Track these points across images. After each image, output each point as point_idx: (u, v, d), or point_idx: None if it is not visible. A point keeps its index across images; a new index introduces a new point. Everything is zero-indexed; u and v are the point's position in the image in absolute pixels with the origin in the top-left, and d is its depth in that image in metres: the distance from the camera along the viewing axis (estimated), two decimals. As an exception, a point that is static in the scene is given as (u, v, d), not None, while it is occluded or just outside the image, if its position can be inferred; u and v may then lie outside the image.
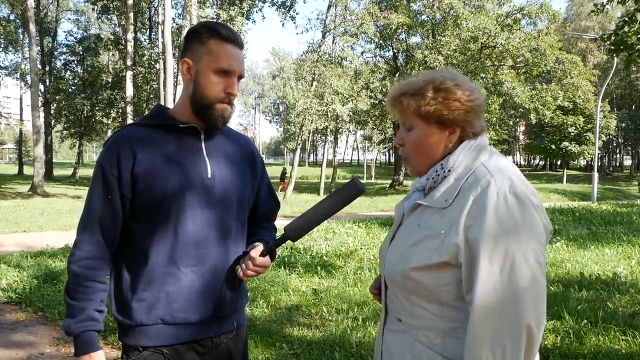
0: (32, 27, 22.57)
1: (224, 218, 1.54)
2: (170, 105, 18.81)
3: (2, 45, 30.60)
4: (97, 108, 31.46)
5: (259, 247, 1.52)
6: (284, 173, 29.07)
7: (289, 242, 1.57)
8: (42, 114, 27.36)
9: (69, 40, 34.26)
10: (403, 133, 1.35)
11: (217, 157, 1.56)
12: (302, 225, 1.50)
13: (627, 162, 62.25)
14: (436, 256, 1.21)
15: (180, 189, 1.47)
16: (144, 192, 1.46)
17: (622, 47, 8.87)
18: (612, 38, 8.95)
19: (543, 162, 58.74)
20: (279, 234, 1.60)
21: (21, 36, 31.26)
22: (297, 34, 40.83)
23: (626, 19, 8.62)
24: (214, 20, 21.64)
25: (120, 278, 1.51)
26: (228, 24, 21.59)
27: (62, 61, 33.95)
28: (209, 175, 1.52)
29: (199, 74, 1.48)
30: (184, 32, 21.24)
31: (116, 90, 29.86)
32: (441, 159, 1.31)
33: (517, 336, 1.10)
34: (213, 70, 1.47)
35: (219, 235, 1.53)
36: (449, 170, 1.28)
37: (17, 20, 29.74)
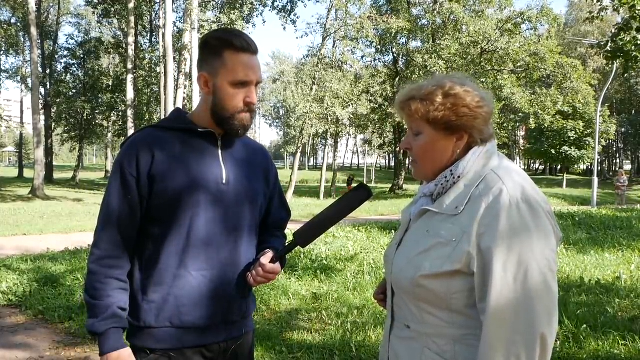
0: (34, 31, 22.63)
1: (236, 224, 1.55)
2: (171, 108, 18.87)
3: (4, 49, 30.71)
4: (97, 111, 31.53)
5: (269, 253, 1.53)
6: (350, 179, 29.50)
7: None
8: (42, 117, 27.39)
9: (69, 44, 34.46)
10: (410, 137, 1.34)
11: (232, 164, 1.57)
12: (311, 231, 1.51)
13: (627, 166, 62.26)
14: (448, 264, 1.20)
15: (195, 192, 1.48)
16: (159, 193, 1.47)
17: (619, 55, 8.92)
18: (609, 45, 9.01)
19: (543, 167, 58.74)
20: (288, 241, 1.61)
21: (22, 39, 31.35)
22: (297, 38, 40.87)
23: (622, 26, 8.68)
24: (215, 23, 21.71)
25: (131, 279, 1.52)
26: (228, 27, 21.70)
27: (63, 64, 34.14)
28: (224, 181, 1.53)
29: (217, 87, 1.49)
30: (185, 36, 21.33)
31: (117, 94, 29.92)
32: (448, 164, 1.30)
33: (532, 345, 1.10)
34: (230, 83, 1.47)
35: (230, 241, 1.54)
36: (459, 177, 1.27)
37: (19, 24, 29.86)
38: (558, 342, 3.77)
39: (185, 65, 20.96)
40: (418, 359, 1.28)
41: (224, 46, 1.48)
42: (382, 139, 39.18)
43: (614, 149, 59.37)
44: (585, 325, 4.05)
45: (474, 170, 1.26)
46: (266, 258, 1.51)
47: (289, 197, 24.71)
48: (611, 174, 57.64)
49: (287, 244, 1.56)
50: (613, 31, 9.02)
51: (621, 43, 8.76)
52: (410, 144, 1.34)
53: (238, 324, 1.60)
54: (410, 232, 1.36)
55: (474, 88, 1.30)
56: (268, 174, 1.70)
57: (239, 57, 1.47)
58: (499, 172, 1.23)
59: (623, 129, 50.69)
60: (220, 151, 1.56)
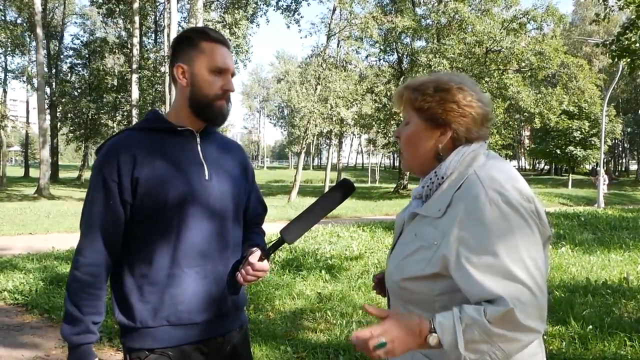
0: (39, 31, 22.71)
1: (223, 219, 1.58)
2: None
3: (10, 49, 30.83)
4: (102, 111, 31.56)
5: (257, 252, 1.54)
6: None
7: (292, 245, 1.59)
8: (48, 117, 27.47)
9: (74, 44, 34.53)
10: (402, 127, 1.36)
11: (213, 160, 1.59)
12: (298, 228, 1.53)
13: (633, 166, 61.91)
14: (429, 267, 1.20)
15: (181, 191, 1.50)
16: (146, 195, 1.48)
17: (625, 53, 8.89)
18: (615, 44, 8.98)
19: (548, 167, 58.49)
20: (275, 238, 1.62)
21: (28, 40, 31.47)
22: (301, 37, 40.83)
23: (628, 25, 8.65)
24: (219, 22, 21.74)
25: (123, 281, 1.52)
26: (233, 27, 21.72)
27: (68, 64, 34.25)
28: (207, 177, 1.55)
29: (195, 74, 1.52)
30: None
31: (121, 93, 29.99)
32: (430, 159, 1.30)
33: (513, 339, 1.09)
34: (209, 69, 1.51)
35: (219, 236, 1.56)
36: (442, 177, 1.26)
37: (24, 24, 29.96)
38: (564, 343, 3.75)
39: (189, 65, 20.94)
40: (409, 359, 1.28)
41: (200, 37, 1.53)
42: (387, 138, 39.07)
43: (620, 149, 59.05)
44: (591, 326, 4.03)
45: (457, 171, 1.25)
46: (254, 257, 1.52)
47: (293, 196, 24.67)
48: (617, 173, 57.36)
49: (274, 242, 1.57)
50: (619, 30, 8.99)
51: (627, 42, 8.73)
52: (400, 133, 1.36)
53: (232, 317, 1.63)
54: (402, 235, 1.37)
55: (471, 88, 1.29)
56: (246, 169, 1.73)
57: (215, 46, 1.52)
58: (480, 172, 1.21)
59: (629, 129, 50.31)
60: (200, 148, 1.58)
